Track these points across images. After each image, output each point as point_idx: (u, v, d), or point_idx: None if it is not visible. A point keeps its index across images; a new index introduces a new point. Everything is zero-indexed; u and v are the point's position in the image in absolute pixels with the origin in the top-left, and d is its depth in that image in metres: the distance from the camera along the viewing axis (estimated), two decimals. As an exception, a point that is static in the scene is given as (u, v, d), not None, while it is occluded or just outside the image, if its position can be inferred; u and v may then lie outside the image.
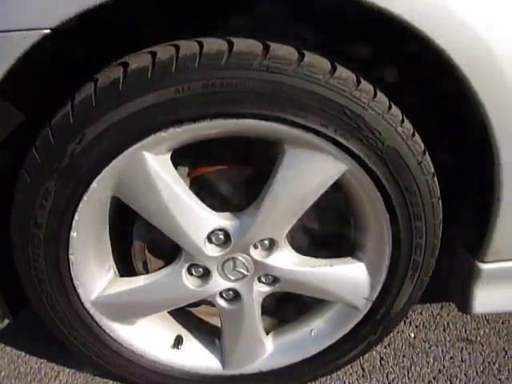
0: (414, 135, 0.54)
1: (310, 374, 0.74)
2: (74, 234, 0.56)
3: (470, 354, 0.83)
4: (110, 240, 0.63)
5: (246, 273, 0.62)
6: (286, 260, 0.62)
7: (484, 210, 0.59)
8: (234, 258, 0.61)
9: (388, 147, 0.53)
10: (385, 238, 0.60)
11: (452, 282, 0.71)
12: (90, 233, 0.58)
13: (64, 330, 0.65)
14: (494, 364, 0.81)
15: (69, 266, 0.59)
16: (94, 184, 0.53)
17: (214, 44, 0.49)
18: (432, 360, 0.82)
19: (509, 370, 0.80)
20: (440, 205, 0.60)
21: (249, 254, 0.61)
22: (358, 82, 0.50)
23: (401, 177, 0.55)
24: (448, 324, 0.89)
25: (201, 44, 0.49)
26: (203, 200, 0.58)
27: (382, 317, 0.67)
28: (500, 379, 0.78)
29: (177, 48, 0.49)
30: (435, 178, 0.58)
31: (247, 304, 0.65)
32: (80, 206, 0.54)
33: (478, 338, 0.85)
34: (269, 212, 0.57)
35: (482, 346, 0.84)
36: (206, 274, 0.63)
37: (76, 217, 0.55)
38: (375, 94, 0.51)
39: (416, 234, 0.59)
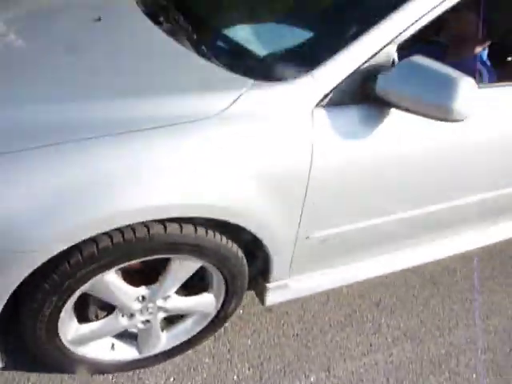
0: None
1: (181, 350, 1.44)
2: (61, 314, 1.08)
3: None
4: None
5: (152, 311, 1.24)
6: (174, 301, 1.26)
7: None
8: (147, 306, 1.22)
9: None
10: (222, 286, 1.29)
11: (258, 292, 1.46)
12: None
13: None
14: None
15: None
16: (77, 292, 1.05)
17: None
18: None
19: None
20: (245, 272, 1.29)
21: (155, 303, 1.22)
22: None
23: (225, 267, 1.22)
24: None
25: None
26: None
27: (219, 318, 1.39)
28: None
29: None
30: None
31: (154, 323, 1.28)
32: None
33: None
34: (166, 287, 1.19)
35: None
36: (132, 316, 1.22)
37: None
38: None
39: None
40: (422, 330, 1.73)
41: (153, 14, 1.41)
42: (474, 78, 1.12)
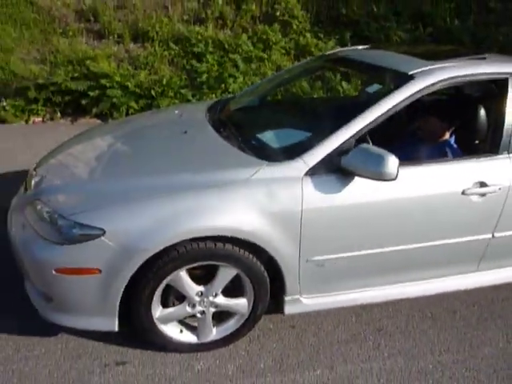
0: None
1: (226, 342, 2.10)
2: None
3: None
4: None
5: (206, 304, 1.97)
6: (221, 299, 1.98)
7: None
8: (203, 300, 1.95)
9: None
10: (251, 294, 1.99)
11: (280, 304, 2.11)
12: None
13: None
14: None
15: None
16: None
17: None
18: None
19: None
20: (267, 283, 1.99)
21: (208, 298, 1.95)
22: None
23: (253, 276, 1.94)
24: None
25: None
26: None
27: (250, 319, 2.06)
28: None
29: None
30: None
31: (208, 315, 1.99)
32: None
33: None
34: (215, 286, 1.93)
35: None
36: (194, 306, 1.96)
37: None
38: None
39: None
40: (415, 350, 2.20)
41: (217, 126, 2.37)
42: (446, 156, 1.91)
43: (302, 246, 1.93)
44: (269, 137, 2.21)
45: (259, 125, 2.41)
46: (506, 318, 2.46)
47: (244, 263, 1.90)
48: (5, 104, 5.31)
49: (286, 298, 2.08)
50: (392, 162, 1.77)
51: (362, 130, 1.93)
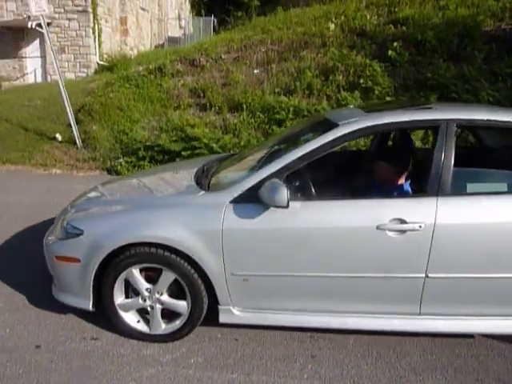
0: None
1: (173, 336, 2.60)
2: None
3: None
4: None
5: (153, 300, 2.54)
6: (165, 298, 2.53)
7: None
8: (151, 296, 2.53)
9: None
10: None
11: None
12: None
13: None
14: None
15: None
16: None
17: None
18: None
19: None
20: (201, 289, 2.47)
21: (154, 295, 2.53)
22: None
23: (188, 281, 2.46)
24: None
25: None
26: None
27: (191, 320, 2.53)
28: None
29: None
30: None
31: (156, 310, 2.55)
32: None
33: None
34: (159, 286, 2.51)
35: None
36: (145, 300, 2.56)
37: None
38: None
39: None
40: (337, 380, 2.33)
41: (197, 171, 3.04)
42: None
43: (225, 261, 2.39)
44: (220, 176, 2.80)
45: (220, 170, 3.01)
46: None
47: (180, 269, 2.45)
48: (121, 161, 6.95)
49: (220, 308, 2.51)
50: (282, 192, 2.18)
51: (282, 169, 2.37)
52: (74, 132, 7.50)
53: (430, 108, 2.58)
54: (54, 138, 7.87)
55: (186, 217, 2.43)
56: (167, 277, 2.50)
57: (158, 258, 2.45)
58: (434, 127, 2.44)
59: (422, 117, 2.47)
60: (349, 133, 2.40)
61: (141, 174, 3.94)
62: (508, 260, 2.28)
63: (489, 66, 7.56)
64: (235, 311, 2.51)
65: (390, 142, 3.30)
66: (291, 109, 7.46)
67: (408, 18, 9.24)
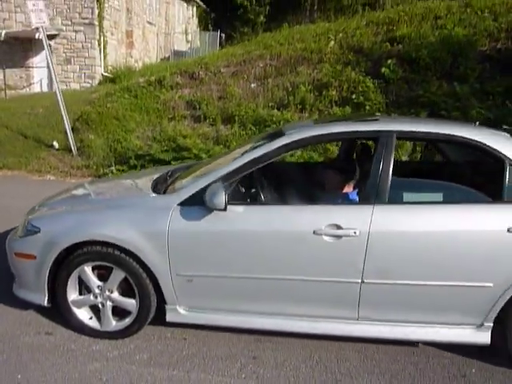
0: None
1: (123, 334, 2.70)
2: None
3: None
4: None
5: (104, 297, 2.66)
6: (115, 296, 2.65)
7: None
8: (102, 293, 2.65)
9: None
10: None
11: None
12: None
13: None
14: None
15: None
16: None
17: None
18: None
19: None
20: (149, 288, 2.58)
21: (105, 292, 2.65)
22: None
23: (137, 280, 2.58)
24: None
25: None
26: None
27: (139, 317, 2.64)
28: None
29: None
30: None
31: (106, 307, 2.67)
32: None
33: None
34: (109, 283, 2.63)
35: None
36: (96, 297, 2.68)
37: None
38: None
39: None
40: (275, 381, 2.41)
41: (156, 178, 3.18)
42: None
43: (171, 261, 2.50)
44: (179, 181, 2.93)
45: (183, 176, 3.12)
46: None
47: (129, 268, 2.57)
48: (113, 168, 7.16)
49: (167, 307, 2.62)
50: (221, 195, 2.30)
51: (228, 174, 2.50)
52: (70, 140, 7.74)
53: (375, 120, 2.70)
54: (52, 146, 8.13)
55: (136, 217, 2.56)
56: (117, 275, 2.62)
57: (108, 256, 2.58)
58: (374, 138, 2.55)
59: (363, 128, 2.58)
60: (291, 142, 2.53)
61: (118, 177, 4.11)
62: (441, 268, 2.35)
63: (481, 85, 7.65)
64: (181, 311, 2.62)
65: (352, 153, 3.42)
66: (282, 122, 7.62)
67: (405, 37, 9.40)
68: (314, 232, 2.37)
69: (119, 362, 2.53)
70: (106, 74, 12.22)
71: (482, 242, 2.31)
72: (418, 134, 2.54)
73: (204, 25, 19.53)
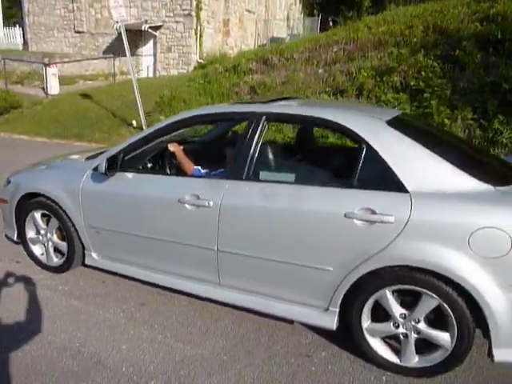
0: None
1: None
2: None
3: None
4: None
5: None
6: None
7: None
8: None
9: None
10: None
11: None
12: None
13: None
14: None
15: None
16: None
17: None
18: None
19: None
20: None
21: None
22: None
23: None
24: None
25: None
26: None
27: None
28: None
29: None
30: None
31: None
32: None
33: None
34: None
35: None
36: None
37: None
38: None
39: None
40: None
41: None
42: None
43: (84, 215, 3.14)
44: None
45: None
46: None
47: (59, 217, 3.28)
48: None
49: (85, 252, 3.28)
50: (102, 164, 2.86)
51: (128, 146, 3.01)
52: (142, 119, 8.99)
53: (269, 102, 2.87)
54: (131, 124, 9.52)
55: (65, 177, 3.26)
56: (54, 222, 3.36)
57: (46, 205, 3.34)
58: (247, 119, 2.75)
59: (240, 109, 2.81)
60: (175, 121, 2.95)
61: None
62: (284, 246, 2.47)
63: None
64: (95, 257, 3.25)
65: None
66: (330, 107, 7.64)
67: (499, 15, 8.36)
68: (178, 201, 2.73)
69: (44, 289, 3.29)
70: (200, 60, 13.45)
71: (321, 225, 2.37)
72: (284, 117, 2.67)
73: (309, 10, 19.60)
